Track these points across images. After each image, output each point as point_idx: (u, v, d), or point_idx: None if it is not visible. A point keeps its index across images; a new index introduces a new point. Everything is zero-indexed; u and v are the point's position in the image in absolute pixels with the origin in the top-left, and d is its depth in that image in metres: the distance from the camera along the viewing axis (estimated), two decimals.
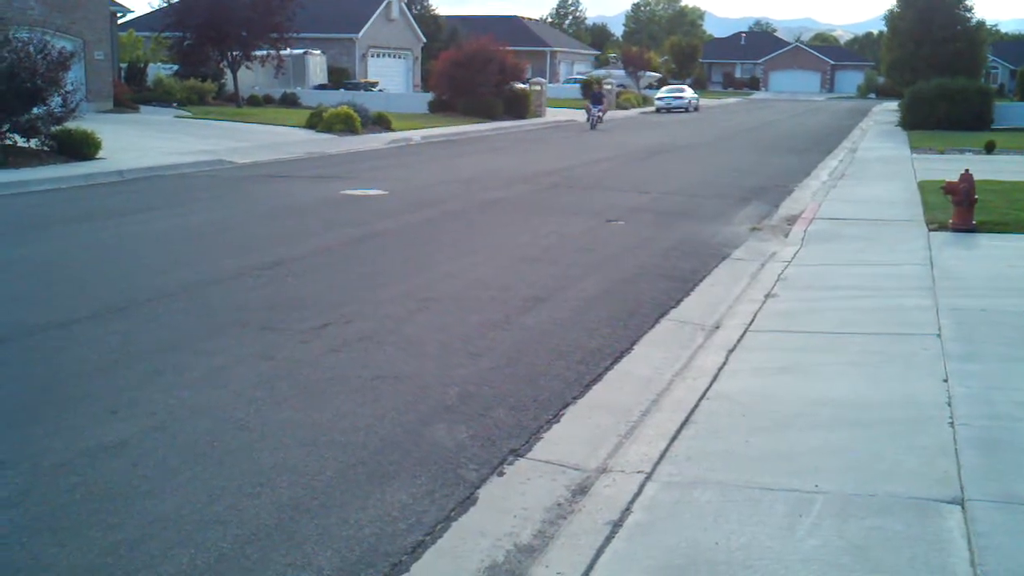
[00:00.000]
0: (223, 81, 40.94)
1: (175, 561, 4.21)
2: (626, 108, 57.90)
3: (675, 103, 57.41)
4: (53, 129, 20.22)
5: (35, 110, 19.81)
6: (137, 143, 23.89)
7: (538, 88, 46.48)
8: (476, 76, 40.83)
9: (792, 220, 14.29)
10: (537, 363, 7.22)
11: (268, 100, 42.19)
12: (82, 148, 20.54)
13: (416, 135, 31.32)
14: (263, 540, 4.42)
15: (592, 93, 42.79)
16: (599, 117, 39.92)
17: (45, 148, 20.30)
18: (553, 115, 46.27)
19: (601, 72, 73.49)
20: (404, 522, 4.63)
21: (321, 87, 47.18)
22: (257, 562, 4.22)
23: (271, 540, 4.42)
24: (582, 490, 5.04)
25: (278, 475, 5.12)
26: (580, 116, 48.51)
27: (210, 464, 5.26)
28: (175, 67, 40.98)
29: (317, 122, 30.78)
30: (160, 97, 37.05)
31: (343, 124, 30.34)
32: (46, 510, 4.69)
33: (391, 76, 55.92)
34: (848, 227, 13.37)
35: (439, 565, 4.27)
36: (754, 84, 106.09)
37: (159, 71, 40.72)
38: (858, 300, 9.00)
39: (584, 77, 69.99)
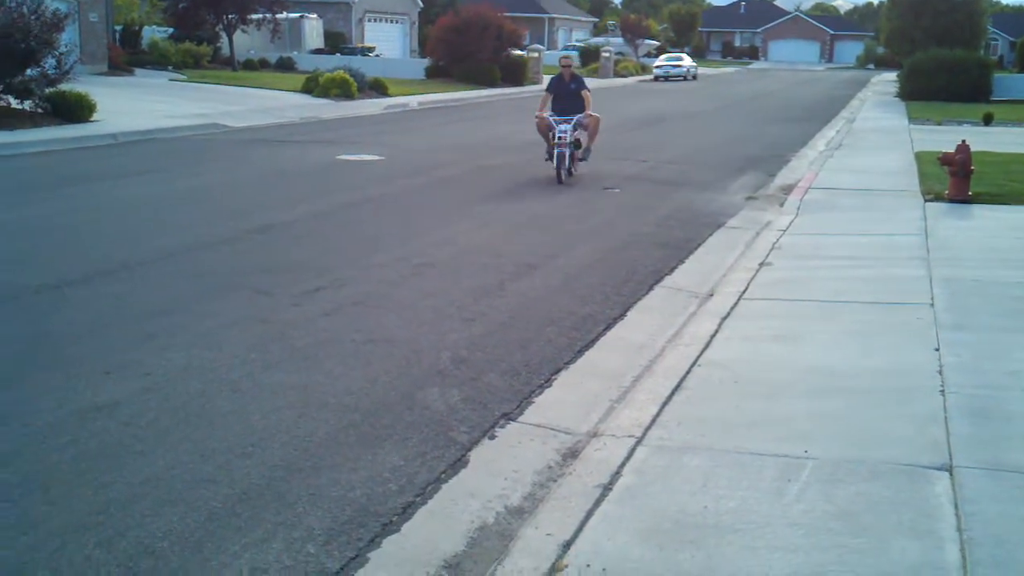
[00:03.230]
0: (219, 45, 40.66)
1: (165, 519, 4.22)
2: (624, 76, 57.59)
3: (673, 72, 57.15)
4: (47, 91, 20.09)
5: (29, 72, 19.67)
6: (131, 106, 23.74)
7: (536, 55, 46.24)
8: (473, 42, 40.57)
9: (788, 190, 14.26)
10: (530, 328, 7.22)
11: (264, 64, 41.92)
12: (76, 110, 20.41)
13: (413, 101, 31.17)
14: (254, 500, 4.43)
15: (556, 84, 15.30)
16: (576, 146, 14.89)
17: (39, 110, 20.18)
18: None
19: (600, 40, 73.08)
20: (395, 483, 4.64)
21: (317, 52, 46.88)
22: (248, 521, 4.24)
23: (262, 499, 4.43)
24: (573, 454, 5.06)
25: (270, 436, 5.13)
26: None
27: (202, 425, 5.27)
28: (170, 30, 40.71)
29: (313, 87, 30.60)
30: (155, 60, 36.80)
31: (339, 89, 30.17)
32: (38, 469, 4.69)
33: (388, 41, 55.55)
34: (844, 197, 13.35)
35: (429, 526, 4.29)
36: (753, 53, 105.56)
37: (154, 34, 40.46)
38: (852, 269, 9.00)
39: (582, 44, 69.60)
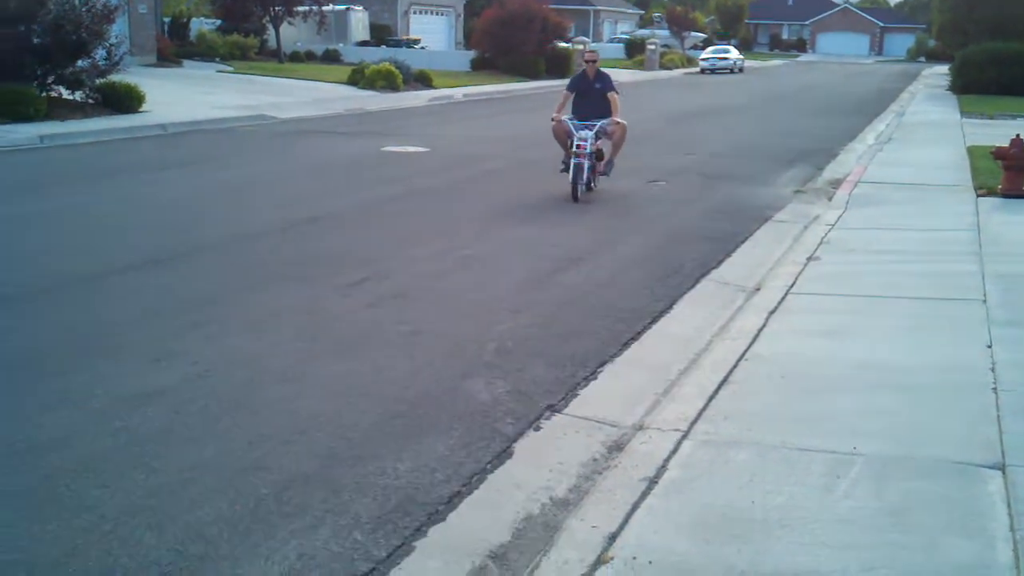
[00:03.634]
0: (265, 37, 40.94)
1: (215, 505, 4.27)
2: (670, 69, 57.26)
3: (720, 64, 56.72)
4: (97, 82, 20.37)
5: (80, 63, 19.95)
6: (180, 97, 24.00)
7: (581, 47, 46.03)
8: (518, 34, 40.53)
9: (837, 183, 14.10)
10: (575, 321, 7.21)
11: (310, 56, 42.15)
12: (126, 101, 20.70)
13: (458, 93, 31.20)
14: (301, 487, 4.46)
15: (579, 82, 12.90)
16: (598, 157, 12.61)
17: (89, 101, 20.46)
18: None
19: (645, 32, 72.66)
20: (441, 473, 4.66)
21: (363, 44, 47.04)
22: (295, 507, 4.27)
23: (309, 487, 4.46)
24: (618, 447, 5.04)
25: (316, 425, 5.16)
26: (622, 75, 47.71)
27: (249, 413, 5.32)
28: (218, 22, 41.06)
29: (359, 79, 30.75)
30: (203, 52, 37.13)
31: (385, 81, 30.29)
32: (90, 453, 4.76)
33: (433, 33, 55.61)
34: (894, 191, 13.17)
35: (475, 516, 4.30)
36: (801, 46, 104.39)
37: (202, 26, 40.82)
38: (903, 264, 8.87)
39: (627, 36, 69.29)
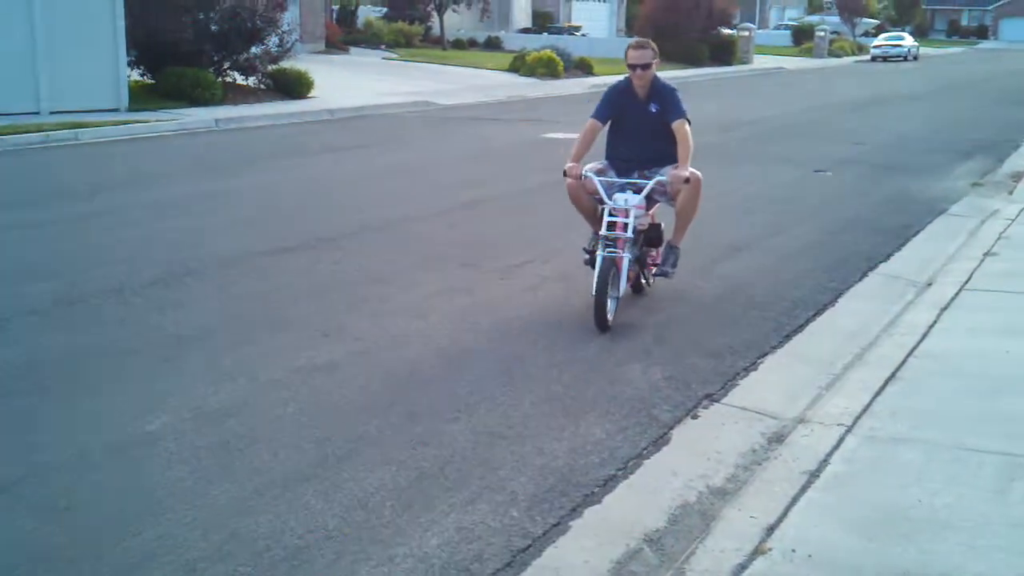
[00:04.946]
0: (429, 24, 41.79)
1: (378, 476, 4.40)
2: (839, 56, 55.51)
3: (893, 52, 54.66)
4: (269, 68, 21.23)
5: (253, 49, 20.84)
6: (346, 83, 24.74)
7: (746, 34, 45.21)
8: (682, 21, 40.06)
9: (1018, 177, 13.36)
10: (735, 311, 7.09)
11: (472, 43, 42.76)
12: (295, 87, 21.50)
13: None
14: (460, 463, 4.56)
15: (618, 100, 7.20)
16: (651, 239, 7.04)
17: (261, 86, 21.37)
18: (760, 62, 44.86)
19: (814, 18, 70.60)
20: (597, 456, 4.67)
21: (524, 31, 47.43)
22: (455, 482, 4.37)
23: (468, 463, 4.55)
24: (778, 438, 4.94)
25: (475, 403, 5.26)
26: (788, 63, 46.46)
27: (411, 389, 5.46)
28: (384, 10, 42.12)
29: (520, 66, 31.01)
30: (368, 39, 38.20)
31: (545, 68, 30.44)
32: (261, 421, 4.99)
33: (594, 20, 55.52)
34: None
35: (630, 499, 4.30)
36: (982, 33, 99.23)
37: (368, 14, 41.95)
38: None
39: (796, 23, 67.47)
